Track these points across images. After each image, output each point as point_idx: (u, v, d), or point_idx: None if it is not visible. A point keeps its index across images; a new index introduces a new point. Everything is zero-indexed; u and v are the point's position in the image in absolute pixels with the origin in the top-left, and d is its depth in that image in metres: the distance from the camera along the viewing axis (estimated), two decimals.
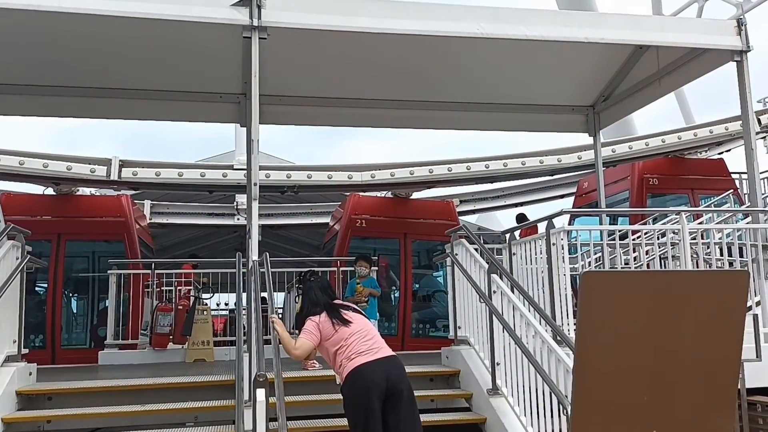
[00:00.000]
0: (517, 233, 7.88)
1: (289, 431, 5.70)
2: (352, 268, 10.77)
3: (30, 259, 6.50)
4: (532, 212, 14.80)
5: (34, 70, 6.95)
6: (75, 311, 11.90)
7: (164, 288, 10.14)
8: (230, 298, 13.56)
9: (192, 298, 10.00)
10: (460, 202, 15.72)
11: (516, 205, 16.16)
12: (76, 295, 11.91)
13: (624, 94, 9.03)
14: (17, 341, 6.36)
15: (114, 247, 11.15)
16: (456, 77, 8.50)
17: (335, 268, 10.45)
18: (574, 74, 8.90)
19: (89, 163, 10.34)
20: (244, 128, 12.67)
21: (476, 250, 6.85)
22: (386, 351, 4.92)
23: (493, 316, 5.97)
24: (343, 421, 5.00)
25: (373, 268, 9.15)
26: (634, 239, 7.76)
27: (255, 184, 5.90)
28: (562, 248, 6.31)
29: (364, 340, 4.90)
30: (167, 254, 16.02)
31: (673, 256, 7.67)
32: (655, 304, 2.80)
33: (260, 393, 4.13)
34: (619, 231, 7.75)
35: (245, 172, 11.59)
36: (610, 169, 13.30)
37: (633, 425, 2.87)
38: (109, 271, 9.94)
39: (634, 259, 7.94)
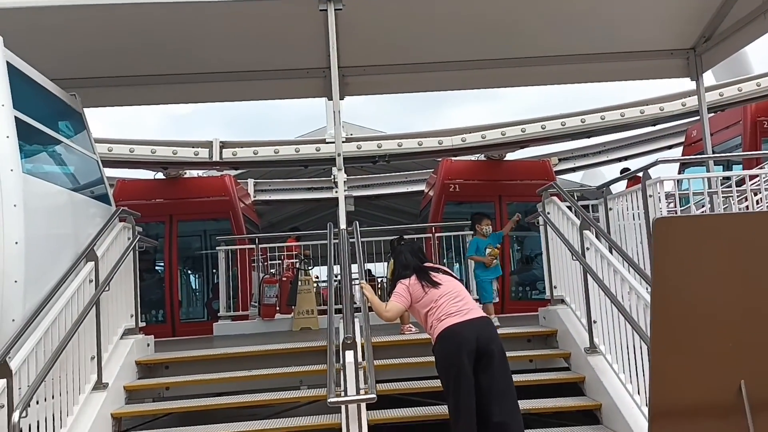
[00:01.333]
0: (615, 188, 7.58)
1: (380, 392, 5.87)
2: (449, 234, 10.84)
3: (140, 239, 6.94)
4: (639, 166, 14.18)
5: (128, 61, 7.35)
6: (191, 287, 12.67)
7: (269, 261, 10.56)
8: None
9: (295, 270, 10.39)
10: (559, 160, 15.29)
11: (620, 159, 15.51)
12: (190, 271, 12.68)
13: (727, 32, 8.38)
14: (134, 315, 6.85)
15: (221, 225, 11.73)
16: (545, 29, 8.16)
17: (430, 234, 10.48)
18: (671, 15, 8.34)
19: (193, 147, 10.88)
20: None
21: (569, 207, 6.68)
22: (477, 312, 4.92)
23: (587, 274, 5.82)
24: (437, 383, 5.07)
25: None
26: (742, 186, 7.27)
27: (339, 155, 6.02)
28: (659, 199, 6.02)
29: (454, 301, 4.91)
30: (275, 230, 16.69)
31: None
32: (738, 249, 2.64)
33: (349, 355, 4.26)
34: (722, 177, 7.26)
35: (348, 144, 11.92)
36: (720, 114, 12.47)
37: (717, 374, 2.73)
38: (217, 248, 10.48)
39: (746, 208, 7.45)
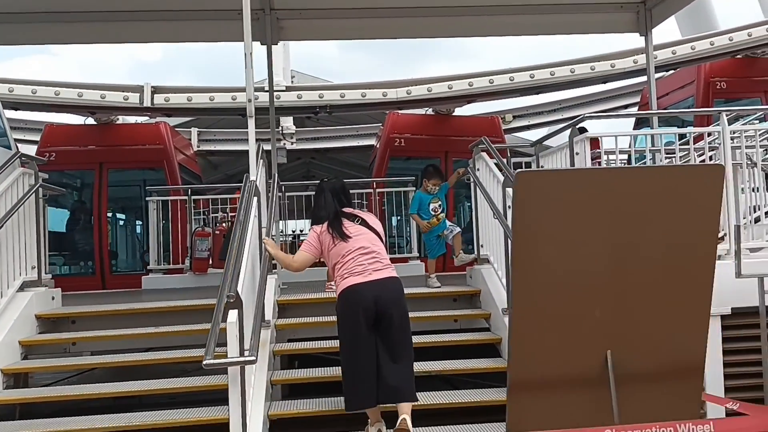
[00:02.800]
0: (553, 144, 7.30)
1: (277, 353, 5.65)
2: (391, 190, 10.53)
3: (43, 186, 6.51)
4: (594, 126, 13.95)
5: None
6: (123, 238, 12.24)
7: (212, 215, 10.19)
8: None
9: (231, 224, 10.03)
10: (513, 117, 15.01)
11: (573, 118, 15.28)
12: (123, 222, 12.23)
13: None
14: (36, 267, 6.46)
15: (155, 174, 11.26)
16: None
17: (371, 190, 10.17)
18: None
19: (123, 91, 10.31)
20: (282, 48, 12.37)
21: (497, 165, 6.40)
22: (384, 273, 4.61)
23: (507, 234, 5.58)
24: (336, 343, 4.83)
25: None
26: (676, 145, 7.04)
27: (249, 101, 5.61)
28: (585, 157, 5.78)
29: (361, 258, 4.59)
30: (232, 181, 16.15)
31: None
32: (606, 206, 2.37)
33: (232, 314, 3.95)
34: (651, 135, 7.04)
35: (288, 94, 11.44)
36: (676, 73, 12.26)
37: (582, 344, 2.49)
38: (147, 198, 10.06)
39: None
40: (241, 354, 3.93)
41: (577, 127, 12.11)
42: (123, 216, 12.41)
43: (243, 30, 8.32)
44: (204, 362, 3.78)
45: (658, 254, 2.40)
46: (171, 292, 8.77)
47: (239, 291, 4.12)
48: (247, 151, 8.31)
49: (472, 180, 7.00)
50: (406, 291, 6.13)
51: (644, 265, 2.44)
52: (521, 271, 2.43)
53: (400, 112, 11.57)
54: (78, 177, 11.63)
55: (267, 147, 8.37)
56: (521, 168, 7.35)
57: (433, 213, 7.33)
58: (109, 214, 11.88)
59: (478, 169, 6.78)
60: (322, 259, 4.87)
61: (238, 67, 7.96)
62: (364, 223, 4.76)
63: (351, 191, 9.27)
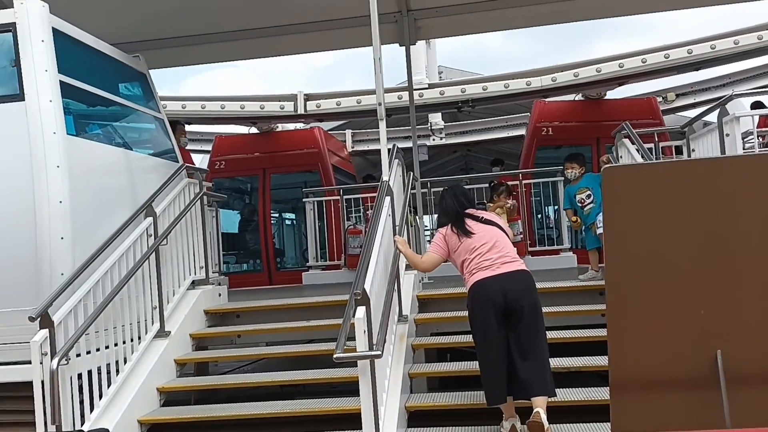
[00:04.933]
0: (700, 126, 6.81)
1: (416, 346, 5.80)
2: (538, 181, 10.33)
3: (206, 193, 7.19)
4: None
5: (189, 21, 7.52)
6: (286, 237, 13.10)
7: (354, 212, 10.64)
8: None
9: None
10: (676, 96, 13.99)
11: (751, 92, 13.93)
12: (286, 222, 13.09)
13: None
14: (204, 267, 7.16)
15: (312, 176, 11.94)
16: None
17: (517, 182, 10.03)
18: None
19: (279, 101, 11.05)
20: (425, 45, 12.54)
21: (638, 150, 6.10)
22: (511, 266, 4.64)
23: None
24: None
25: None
26: None
27: (380, 104, 5.81)
28: (736, 139, 5.33)
29: (488, 253, 4.66)
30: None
31: None
32: (702, 198, 2.24)
33: (359, 311, 4.18)
34: None
35: (431, 91, 11.62)
36: None
37: (687, 343, 2.36)
38: (304, 199, 10.70)
39: None
40: (370, 348, 4.14)
41: (751, 103, 11.05)
42: (286, 216, 13.30)
43: (383, 35, 8.73)
44: (334, 356, 4.05)
45: (760, 247, 2.23)
46: (328, 288, 9.28)
47: (367, 288, 4.34)
48: (408, 148, 8.66)
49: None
50: (553, 284, 6.06)
51: (752, 258, 2.28)
52: (615, 268, 2.37)
53: (546, 100, 11.28)
54: (245, 182, 12.64)
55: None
56: (670, 153, 6.94)
57: (579, 204, 7.09)
58: (274, 215, 12.78)
59: (620, 157, 6.49)
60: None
61: (400, 65, 8.26)
62: (487, 221, 4.80)
63: (502, 182, 9.32)
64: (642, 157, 5.75)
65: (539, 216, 11.18)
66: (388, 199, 5.69)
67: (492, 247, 4.69)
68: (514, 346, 4.52)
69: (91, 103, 6.04)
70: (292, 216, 13.16)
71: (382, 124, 5.92)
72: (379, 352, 4.05)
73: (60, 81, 5.33)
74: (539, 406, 4.38)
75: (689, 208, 2.28)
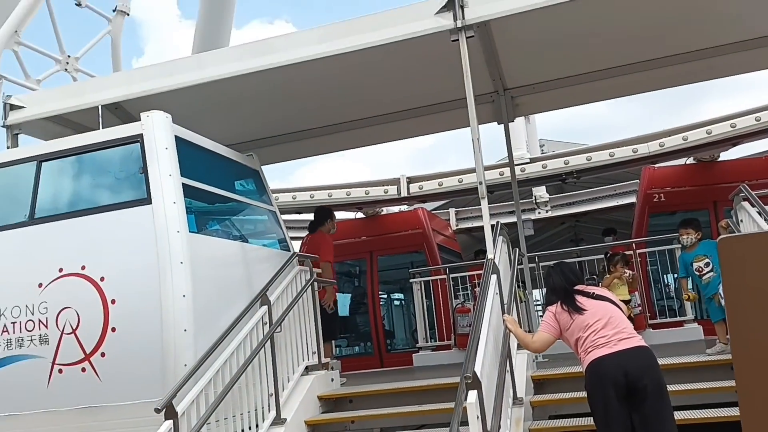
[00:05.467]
0: None
1: (534, 430, 5.54)
2: (653, 249, 9.91)
3: (316, 280, 7.40)
4: None
5: (297, 119, 8.00)
6: (395, 319, 13.14)
7: (460, 291, 10.57)
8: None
9: None
10: None
11: None
12: (394, 303, 13.15)
13: None
14: (317, 352, 7.29)
15: (418, 257, 12.04)
16: (724, 15, 7.18)
17: (631, 252, 9.66)
18: None
19: (383, 185, 11.38)
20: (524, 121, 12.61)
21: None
22: (630, 342, 4.45)
23: None
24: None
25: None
26: None
27: (480, 183, 5.87)
28: None
29: (603, 329, 4.50)
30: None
31: None
32: None
33: (471, 395, 4.10)
34: None
35: (533, 165, 11.59)
36: None
37: None
38: (411, 280, 10.77)
39: None
40: None
41: None
42: (394, 298, 13.39)
43: (479, 113, 8.87)
44: None
45: None
46: (439, 369, 9.16)
47: (478, 371, 4.26)
48: (512, 223, 8.68)
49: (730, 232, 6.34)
50: (678, 359, 5.71)
51: None
52: (742, 344, 2.23)
53: (655, 165, 10.93)
54: (354, 266, 12.91)
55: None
56: None
57: (697, 273, 6.72)
58: (383, 297, 12.91)
59: (741, 221, 6.14)
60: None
61: (500, 141, 8.37)
62: (599, 296, 4.65)
63: (617, 251, 9.01)
64: (765, 221, 5.41)
65: (658, 286, 10.65)
66: (494, 277, 5.64)
67: (607, 323, 4.53)
68: (640, 429, 4.26)
69: (210, 201, 6.48)
70: (401, 297, 13.24)
71: (484, 203, 5.96)
72: None
73: (182, 183, 5.77)
74: None
75: None
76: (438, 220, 13.37)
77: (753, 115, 9.81)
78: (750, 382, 2.23)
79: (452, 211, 14.80)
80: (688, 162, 10.99)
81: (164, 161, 5.71)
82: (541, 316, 5.06)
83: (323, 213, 8.67)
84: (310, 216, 13.77)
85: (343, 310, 13.21)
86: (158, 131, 5.84)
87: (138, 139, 5.87)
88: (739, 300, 2.22)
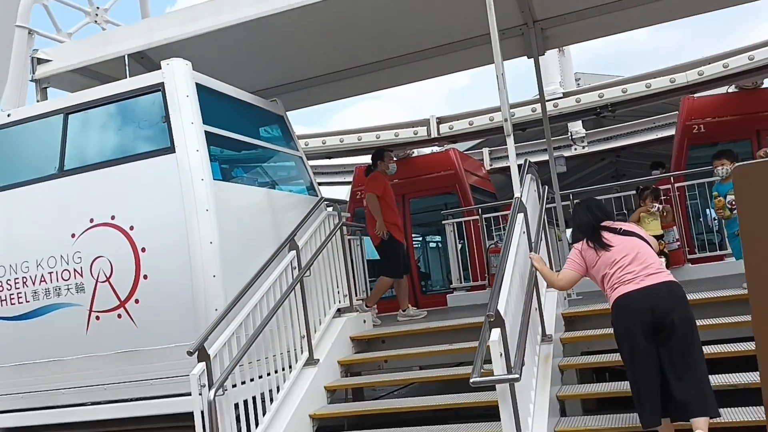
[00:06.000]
0: None
1: (563, 367, 5.53)
2: (692, 182, 9.63)
3: (344, 224, 7.42)
4: None
5: (321, 62, 7.88)
6: (430, 260, 13.16)
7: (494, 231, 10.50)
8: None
9: None
10: None
11: None
12: (429, 245, 13.15)
13: None
14: (348, 295, 7.36)
15: (451, 198, 11.94)
16: None
17: (668, 186, 9.41)
18: None
19: (412, 127, 11.22)
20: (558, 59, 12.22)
21: None
22: (657, 278, 4.36)
23: None
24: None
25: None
26: None
27: (506, 120, 5.72)
28: None
29: (630, 266, 4.41)
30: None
31: None
32: None
33: (494, 333, 4.09)
34: None
35: (566, 100, 11.27)
36: None
37: None
38: (443, 222, 10.73)
39: None
40: (508, 371, 4.03)
41: None
42: (428, 240, 13.39)
43: (508, 48, 8.60)
44: (471, 380, 3.99)
45: None
46: (473, 309, 9.18)
47: (501, 309, 4.24)
48: (545, 161, 8.52)
49: None
50: (714, 294, 5.61)
51: None
52: (758, 276, 2.14)
53: (695, 95, 10.51)
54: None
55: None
56: None
57: (729, 206, 6.52)
58: (417, 240, 12.90)
59: None
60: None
61: (534, 76, 8.12)
62: (627, 232, 4.53)
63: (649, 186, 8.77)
64: None
65: (699, 220, 10.39)
66: (521, 216, 5.55)
67: (634, 259, 4.43)
68: (667, 364, 4.22)
69: (234, 148, 6.49)
70: (435, 239, 13.23)
71: (510, 140, 5.82)
72: (517, 376, 3.93)
73: (205, 131, 5.78)
74: (700, 428, 4.06)
75: None
76: (471, 160, 13.20)
77: None
78: (766, 317, 2.15)
79: (486, 150, 14.58)
80: (729, 90, 10.54)
81: (186, 109, 5.71)
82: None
83: (375, 155, 8.71)
84: (341, 160, 13.83)
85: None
86: (179, 79, 5.82)
87: (159, 87, 5.86)
88: (755, 232, 2.12)
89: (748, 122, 9.99)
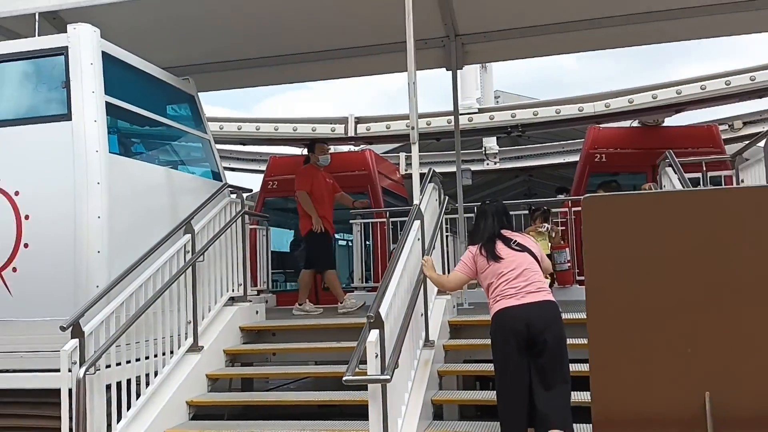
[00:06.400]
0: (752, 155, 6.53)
1: (442, 373, 5.71)
2: None
3: (246, 212, 7.34)
4: None
5: (240, 46, 7.78)
6: (336, 258, 13.15)
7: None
8: None
9: None
10: (744, 124, 13.46)
11: None
12: (337, 243, 13.14)
13: None
14: (243, 284, 7.29)
15: (361, 198, 11.97)
16: None
17: (566, 209, 9.82)
18: None
19: (330, 123, 11.24)
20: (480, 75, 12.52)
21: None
22: (536, 296, 4.50)
23: None
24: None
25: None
26: None
27: (412, 128, 5.85)
28: None
29: (514, 280, 4.56)
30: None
31: None
32: (689, 230, 2.15)
33: (372, 334, 4.17)
34: None
35: (481, 115, 11.59)
36: None
37: (674, 383, 2.26)
38: (351, 221, 10.77)
39: None
40: (382, 372, 4.12)
41: None
42: (336, 237, 13.37)
43: (428, 58, 8.77)
44: (344, 378, 4.06)
45: (755, 281, 2.12)
46: (368, 309, 9.29)
47: (383, 312, 4.34)
48: (452, 173, 8.72)
49: None
50: (579, 315, 5.86)
51: (742, 295, 2.17)
52: (596, 301, 2.29)
53: (600, 126, 11.05)
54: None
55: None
56: (730, 182, 6.71)
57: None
58: None
59: (663, 186, 6.30)
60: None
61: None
62: (520, 246, 4.69)
63: (554, 210, 9.14)
64: (683, 186, 5.55)
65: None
66: (417, 223, 5.69)
67: (520, 275, 4.57)
68: (535, 378, 4.41)
69: (137, 123, 6.31)
70: (342, 237, 13.25)
71: (415, 148, 5.95)
72: (388, 377, 4.02)
73: (106, 102, 5.60)
74: None
75: (673, 241, 2.19)
76: (386, 163, 13.31)
77: (699, 84, 9.93)
78: (601, 339, 2.31)
79: (402, 155, 14.74)
80: (632, 125, 11.13)
81: (88, 77, 5.51)
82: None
83: (308, 146, 8.76)
84: (256, 148, 13.66)
85: (285, 246, 13.20)
86: (84, 45, 5.61)
87: (63, 51, 5.64)
88: (598, 259, 2.27)
89: (645, 156, 10.55)
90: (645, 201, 2.25)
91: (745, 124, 13.40)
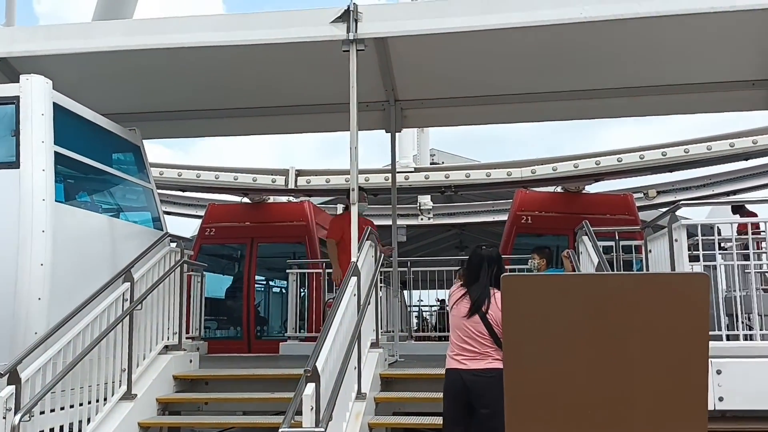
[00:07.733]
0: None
1: (372, 425, 5.96)
2: (514, 267, 10.64)
3: (186, 262, 7.49)
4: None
5: (186, 98, 8.04)
6: (270, 306, 13.31)
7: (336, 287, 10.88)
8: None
9: None
10: (657, 193, 14.48)
11: (728, 193, 14.39)
12: (272, 292, 13.31)
13: None
14: (178, 333, 7.38)
15: (298, 248, 12.26)
16: (610, 61, 7.77)
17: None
18: (747, 44, 7.73)
19: (271, 174, 11.52)
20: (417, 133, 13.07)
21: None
22: (480, 363, 4.70)
23: None
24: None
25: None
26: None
27: (353, 190, 6.22)
28: (682, 246, 5.68)
29: (466, 343, 4.75)
30: None
31: None
32: (589, 313, 2.53)
33: (309, 387, 4.41)
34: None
35: (417, 174, 12.10)
36: None
37: None
38: (287, 271, 11.00)
39: None
40: (317, 425, 4.35)
41: (732, 206, 11.33)
42: (272, 285, 13.54)
43: (368, 119, 9.21)
44: (280, 430, 4.25)
45: (648, 363, 2.50)
46: (303, 359, 9.42)
47: (320, 366, 4.59)
48: (387, 226, 9.09)
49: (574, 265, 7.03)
50: None
51: (633, 368, 2.55)
52: (512, 380, 2.59)
53: (527, 189, 11.75)
54: (234, 250, 12.97)
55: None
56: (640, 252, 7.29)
57: None
58: (260, 285, 13.03)
59: (581, 253, 6.83)
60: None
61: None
62: (484, 317, 4.73)
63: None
64: (597, 254, 6.08)
65: None
66: (354, 279, 6.00)
67: (473, 340, 4.72)
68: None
69: (83, 172, 6.44)
70: (279, 285, 13.40)
71: (354, 209, 6.31)
72: (323, 429, 4.25)
73: (55, 152, 5.73)
74: None
75: (576, 323, 2.53)
76: (324, 214, 13.64)
77: (616, 156, 10.75)
78: (518, 414, 2.60)
79: (340, 207, 15.08)
80: (556, 190, 11.87)
81: (38, 127, 5.66)
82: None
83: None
84: (196, 194, 13.76)
85: (219, 292, 13.24)
86: (36, 96, 5.76)
87: (14, 101, 5.77)
88: (515, 336, 2.61)
89: (567, 220, 11.24)
90: (553, 282, 2.63)
91: (658, 193, 14.42)
